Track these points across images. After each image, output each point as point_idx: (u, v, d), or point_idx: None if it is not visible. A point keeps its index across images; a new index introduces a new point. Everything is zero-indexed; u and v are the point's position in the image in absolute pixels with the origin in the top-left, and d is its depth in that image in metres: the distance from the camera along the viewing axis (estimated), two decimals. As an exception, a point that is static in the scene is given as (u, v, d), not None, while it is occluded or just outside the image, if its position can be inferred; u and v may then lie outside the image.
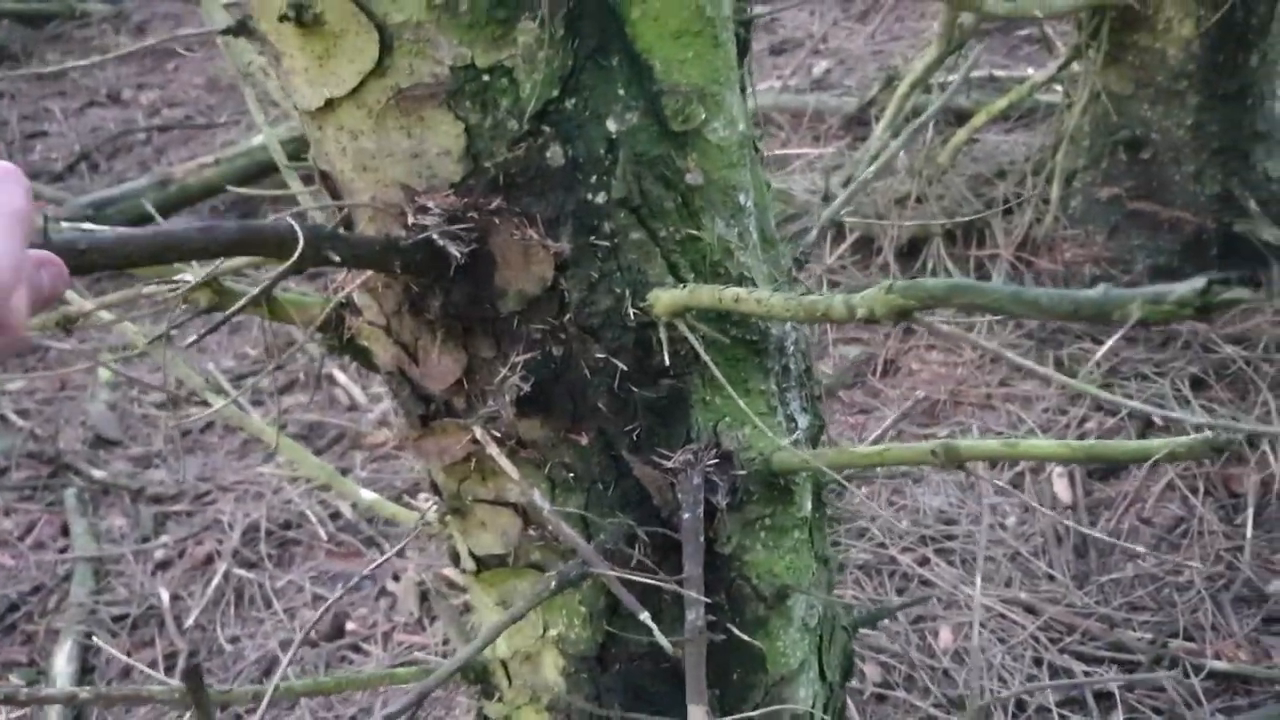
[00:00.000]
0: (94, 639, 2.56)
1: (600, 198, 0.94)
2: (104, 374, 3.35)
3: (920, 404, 2.92)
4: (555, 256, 0.95)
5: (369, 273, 1.04)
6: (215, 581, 2.75)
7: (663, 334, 0.94)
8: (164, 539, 2.93)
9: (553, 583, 0.97)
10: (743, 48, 1.00)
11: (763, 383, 1.06)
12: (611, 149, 0.93)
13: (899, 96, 3.18)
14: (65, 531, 2.99)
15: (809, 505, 1.16)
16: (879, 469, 2.75)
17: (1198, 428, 0.87)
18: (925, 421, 2.88)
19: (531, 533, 1.10)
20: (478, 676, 1.27)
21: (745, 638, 1.08)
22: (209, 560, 2.85)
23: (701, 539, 0.98)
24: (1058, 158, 3.06)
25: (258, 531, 2.87)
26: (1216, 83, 2.83)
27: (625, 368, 0.98)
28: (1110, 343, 2.84)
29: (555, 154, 0.93)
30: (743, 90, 1.02)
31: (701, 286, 0.92)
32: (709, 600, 1.05)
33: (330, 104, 0.97)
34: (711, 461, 1.00)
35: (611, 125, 0.93)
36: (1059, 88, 3.24)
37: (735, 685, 1.14)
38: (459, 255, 0.96)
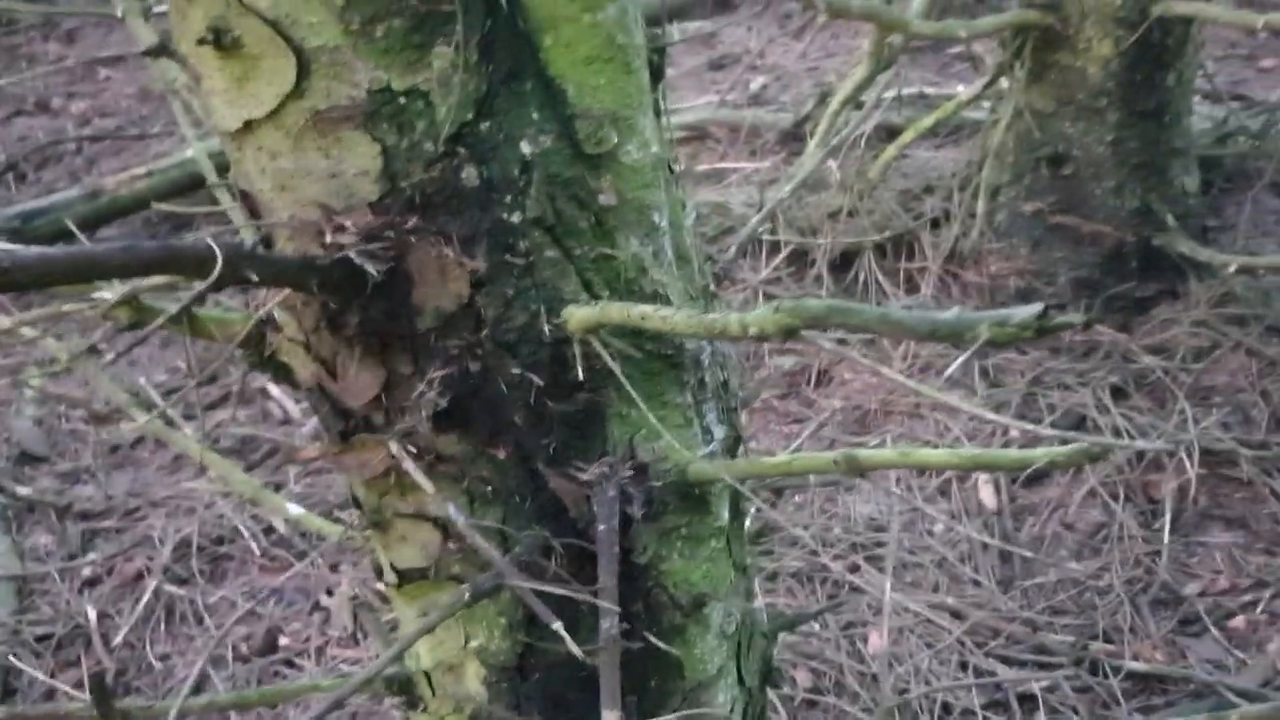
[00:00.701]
0: (14, 659, 2.52)
1: (515, 217, 0.96)
2: (29, 389, 3.30)
3: (851, 413, 2.97)
4: (471, 274, 0.97)
5: (288, 290, 1.05)
6: (145, 599, 2.73)
7: (577, 350, 0.96)
8: (91, 556, 2.90)
9: (467, 594, 0.99)
10: (656, 73, 1.03)
11: (679, 396, 1.09)
12: (526, 170, 0.95)
13: (830, 113, 3.23)
14: (-11, 550, 2.94)
15: (726, 514, 1.19)
16: (810, 478, 2.81)
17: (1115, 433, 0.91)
18: (856, 430, 2.93)
19: (451, 546, 1.11)
20: (401, 688, 1.29)
21: (662, 645, 1.10)
22: (139, 577, 2.82)
23: (616, 550, 1.01)
24: (983, 173, 3.13)
25: (189, 547, 2.85)
26: (1135, 100, 2.92)
27: (541, 383, 1.00)
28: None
29: (470, 175, 0.95)
30: (657, 113, 1.05)
31: (613, 304, 0.94)
32: (624, 610, 1.07)
33: (249, 125, 0.98)
34: (627, 474, 1.03)
35: (525, 147, 0.95)
36: (986, 105, 3.32)
37: (653, 692, 1.17)
38: (376, 273, 0.98)
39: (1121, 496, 2.65)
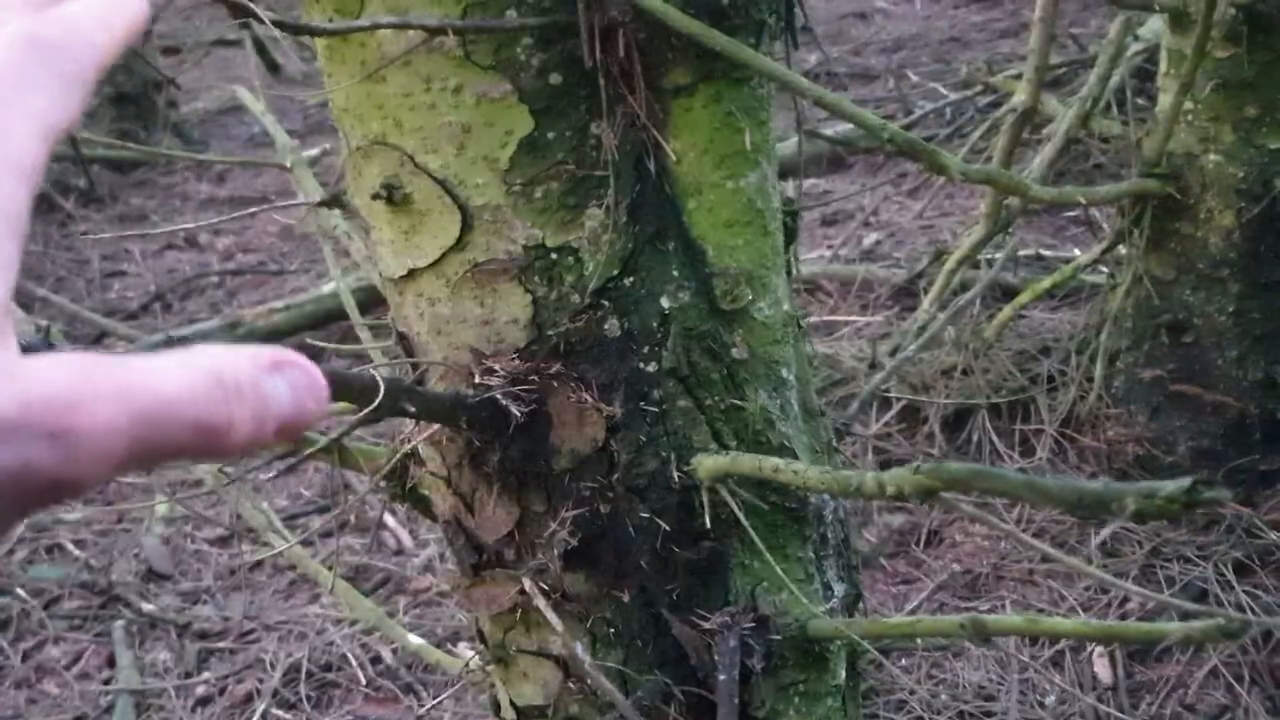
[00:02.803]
0: (130, 773, 2.58)
1: (651, 367, 1.02)
2: (160, 509, 3.44)
3: (961, 577, 2.92)
4: (607, 419, 1.02)
5: (435, 426, 1.11)
6: (253, 720, 2.78)
7: (705, 498, 1.00)
8: (206, 675, 2.97)
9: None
10: (789, 235, 1.09)
11: (800, 550, 1.11)
12: (664, 323, 1.01)
13: (946, 271, 3.28)
14: (111, 663, 3.04)
15: (843, 673, 1.19)
16: (917, 640, 2.75)
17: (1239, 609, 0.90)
18: (966, 595, 2.88)
19: (571, 685, 1.14)
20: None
21: (775, 800, 1.10)
22: (248, 699, 2.88)
23: (736, 701, 1.02)
24: (1101, 338, 3.11)
25: (298, 672, 2.90)
26: (1258, 272, 2.90)
27: (668, 528, 1.04)
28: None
29: (612, 326, 1.01)
30: (788, 272, 1.10)
31: (743, 455, 0.98)
32: (740, 760, 1.08)
33: (412, 273, 1.07)
34: (749, 625, 1.05)
35: (665, 302, 1.01)
36: (1104, 269, 3.32)
37: None
38: (519, 414, 1.04)
39: (1247, 679, 2.54)
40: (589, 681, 1.05)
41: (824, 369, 3.53)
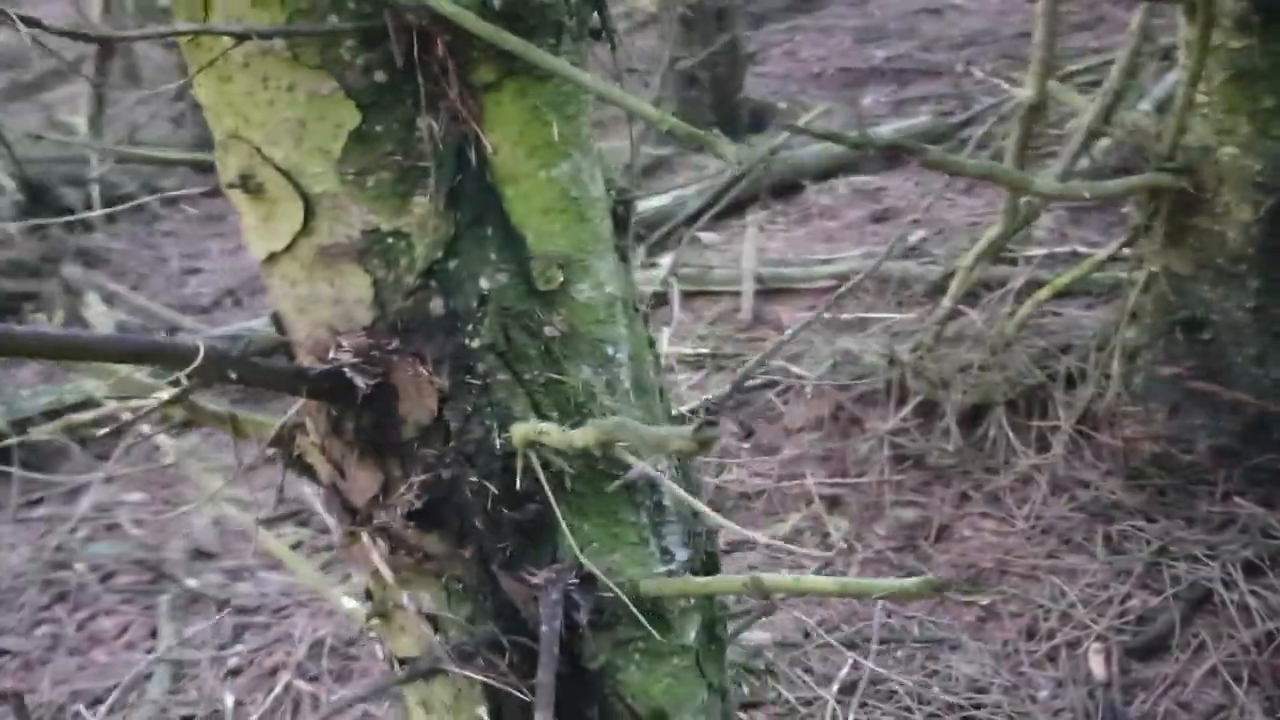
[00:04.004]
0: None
1: (474, 343, 1.10)
2: (211, 492, 3.63)
3: (964, 570, 2.93)
4: (439, 391, 1.11)
5: (310, 401, 1.21)
6: (276, 691, 2.93)
7: (519, 463, 1.08)
8: (239, 647, 3.14)
9: (404, 674, 1.10)
10: (620, 222, 1.16)
11: (633, 515, 1.18)
12: (483, 303, 1.09)
13: (963, 269, 3.28)
14: (154, 634, 3.24)
15: (692, 634, 1.26)
16: (913, 632, 2.77)
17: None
18: (968, 589, 2.88)
19: (438, 639, 1.23)
20: (402, 775, 1.39)
21: (611, 753, 1.17)
22: (275, 671, 3.04)
23: (555, 650, 1.09)
24: (1120, 334, 3.08)
25: (322, 647, 3.05)
26: (1276, 267, 2.84)
27: (496, 491, 1.12)
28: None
29: (437, 305, 1.10)
30: (623, 258, 1.17)
31: (553, 425, 1.05)
32: (579, 714, 1.15)
33: (273, 256, 1.17)
34: (572, 581, 1.12)
35: (484, 283, 1.09)
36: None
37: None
38: (365, 386, 1.13)
39: (1245, 679, 2.50)
40: (421, 628, 1.14)
41: (847, 366, 3.56)
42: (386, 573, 1.12)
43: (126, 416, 1.29)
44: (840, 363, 3.50)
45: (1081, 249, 3.86)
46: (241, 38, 1.02)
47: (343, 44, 1.04)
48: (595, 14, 1.08)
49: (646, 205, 4.82)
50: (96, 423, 1.29)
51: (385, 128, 1.07)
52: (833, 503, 3.28)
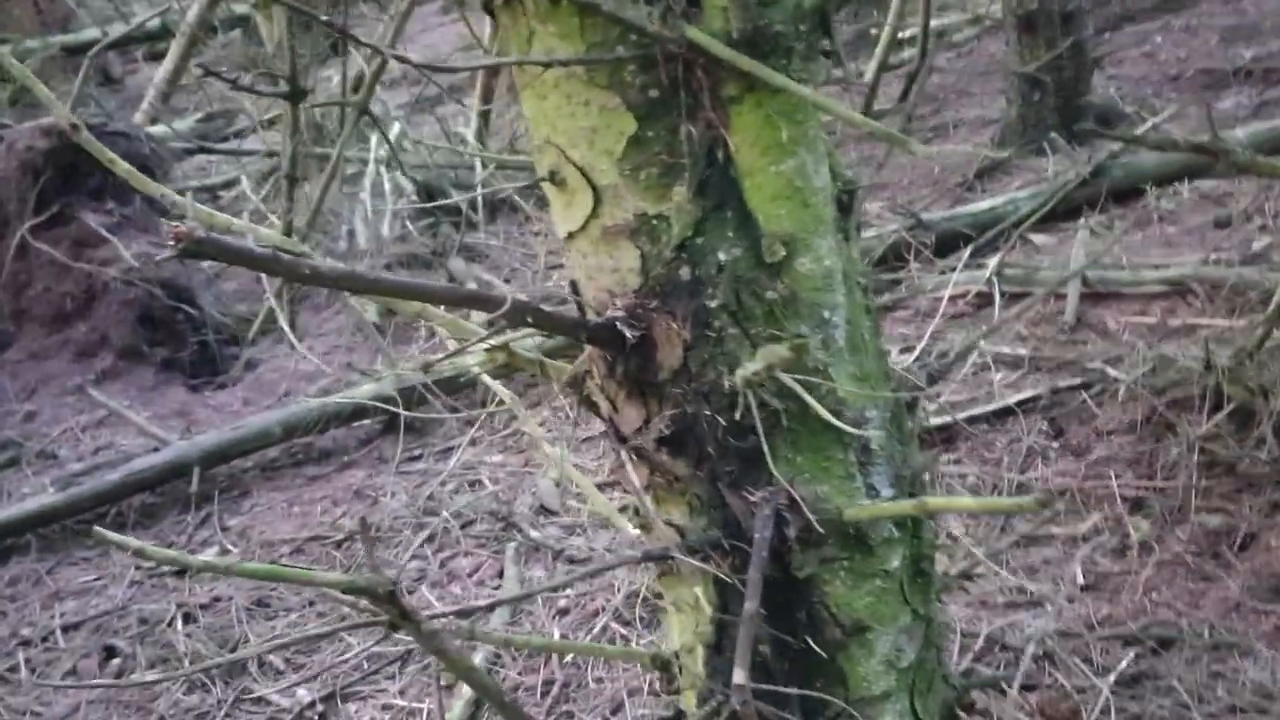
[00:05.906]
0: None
1: (712, 303, 1.38)
2: (555, 456, 4.13)
3: (1268, 580, 2.86)
4: (684, 342, 1.40)
5: (592, 350, 1.54)
6: (594, 631, 3.35)
7: (742, 398, 1.35)
8: (569, 592, 3.60)
9: (639, 555, 1.40)
10: (844, 208, 1.41)
11: (841, 453, 1.42)
12: (720, 271, 1.37)
13: (1289, 277, 3.18)
14: (500, 575, 3.76)
15: (895, 563, 1.48)
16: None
17: None
18: (1269, 597, 2.82)
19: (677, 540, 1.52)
20: (660, 666, 1.70)
21: (815, 648, 1.42)
22: (595, 614, 3.46)
23: (765, 554, 1.36)
24: None
25: (636, 597, 3.44)
26: None
27: (724, 424, 1.39)
28: None
29: (685, 272, 1.39)
30: (846, 239, 1.42)
31: (751, 363, 1.32)
32: (789, 616, 1.41)
33: (571, 235, 1.50)
34: (783, 502, 1.38)
35: (722, 255, 1.37)
36: None
37: (815, 696, 1.47)
38: (632, 336, 1.44)
39: None
40: (656, 528, 1.44)
41: (1159, 371, 3.52)
42: (633, 476, 1.43)
43: (469, 360, 1.67)
44: (1158, 367, 3.48)
45: None
46: (549, 65, 1.36)
47: (625, 69, 1.35)
48: (825, 38, 1.33)
49: (978, 206, 4.90)
50: (447, 360, 1.68)
51: (655, 133, 1.38)
52: (1136, 505, 3.28)
